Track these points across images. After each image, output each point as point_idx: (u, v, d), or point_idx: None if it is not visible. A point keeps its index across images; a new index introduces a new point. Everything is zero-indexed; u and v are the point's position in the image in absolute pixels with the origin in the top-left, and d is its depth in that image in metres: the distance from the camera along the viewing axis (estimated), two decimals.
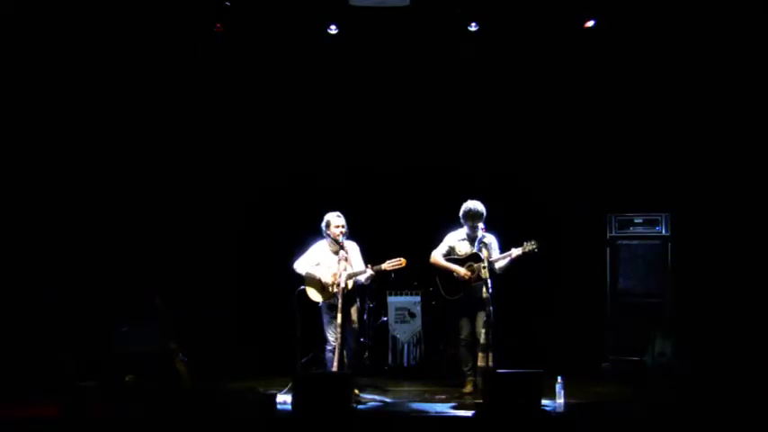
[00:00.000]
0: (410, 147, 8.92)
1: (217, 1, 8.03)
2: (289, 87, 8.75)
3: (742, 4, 7.78)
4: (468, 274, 7.14)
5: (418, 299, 8.68)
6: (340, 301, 6.93)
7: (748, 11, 7.75)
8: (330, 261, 7.18)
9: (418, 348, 8.71)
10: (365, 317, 8.08)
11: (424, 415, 6.55)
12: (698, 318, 7.88)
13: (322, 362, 7.39)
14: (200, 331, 8.08)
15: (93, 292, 8.24)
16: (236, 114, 8.90)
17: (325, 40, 8.34)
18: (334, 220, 7.14)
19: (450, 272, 7.24)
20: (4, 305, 7.91)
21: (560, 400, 6.49)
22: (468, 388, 7.17)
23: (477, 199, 7.21)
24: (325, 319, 7.19)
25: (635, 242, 8.25)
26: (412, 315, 8.72)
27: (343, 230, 7.14)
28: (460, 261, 7.24)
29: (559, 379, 6.52)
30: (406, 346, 8.72)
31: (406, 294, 8.73)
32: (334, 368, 6.93)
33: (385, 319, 8.73)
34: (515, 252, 7.08)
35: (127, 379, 7.55)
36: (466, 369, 7.24)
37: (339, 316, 6.91)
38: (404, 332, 8.73)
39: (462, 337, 7.23)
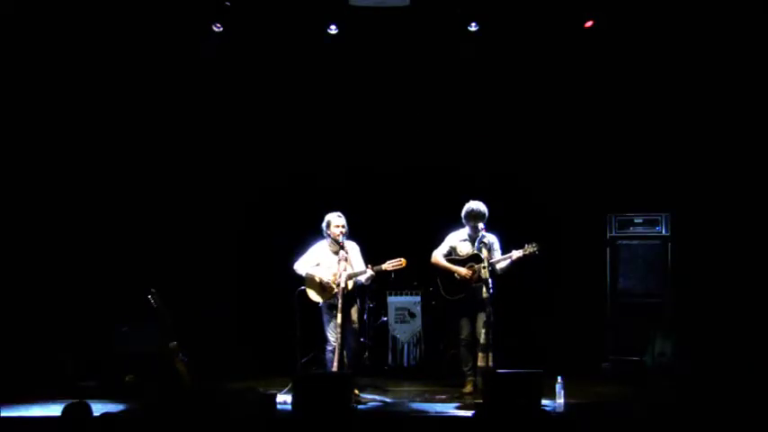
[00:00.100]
0: (410, 147, 8.91)
1: (217, 1, 8.03)
2: (289, 87, 8.75)
3: (742, 5, 7.78)
4: (469, 274, 7.14)
5: (418, 299, 8.69)
6: (340, 301, 6.93)
7: (748, 11, 7.75)
8: (330, 261, 7.18)
9: (418, 348, 8.71)
10: (365, 317, 8.07)
11: (424, 415, 6.55)
12: (698, 318, 7.88)
13: (322, 362, 7.39)
14: (200, 331, 8.08)
15: (93, 293, 8.25)
16: (237, 114, 8.90)
17: (325, 40, 8.33)
18: (335, 220, 7.14)
19: (450, 272, 7.24)
20: (5, 305, 7.90)
21: (560, 400, 6.50)
22: (468, 388, 7.16)
23: (478, 199, 7.21)
24: (326, 319, 7.18)
25: (635, 242, 8.25)
26: (412, 315, 8.72)
27: (344, 230, 7.14)
28: (461, 261, 7.24)
29: (559, 379, 6.53)
30: (406, 346, 8.72)
31: (406, 294, 8.73)
32: (334, 368, 6.93)
33: (385, 319, 8.73)
34: (516, 254, 7.08)
35: (127, 379, 7.57)
36: (466, 369, 7.23)
37: (339, 316, 6.91)
38: (404, 332, 8.73)
39: (462, 337, 7.23)
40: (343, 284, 6.95)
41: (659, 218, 8.19)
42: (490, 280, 6.87)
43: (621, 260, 8.26)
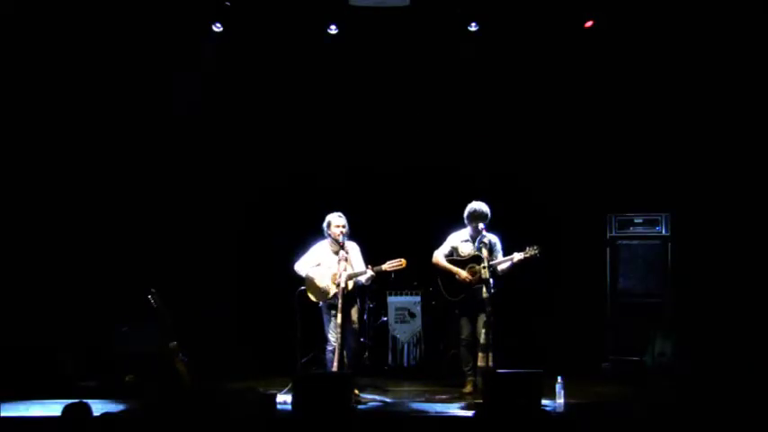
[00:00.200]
0: (410, 147, 8.91)
1: (217, 1, 8.03)
2: (289, 87, 8.74)
3: (742, 5, 7.78)
4: (470, 277, 7.14)
5: (418, 299, 8.68)
6: (340, 301, 6.93)
7: (748, 11, 7.75)
8: (331, 261, 7.18)
9: (418, 348, 8.71)
10: (365, 317, 8.08)
11: (424, 415, 6.55)
12: (698, 318, 7.88)
13: (322, 362, 7.39)
14: (200, 331, 8.07)
15: (94, 293, 8.25)
16: (237, 114, 8.89)
17: (325, 40, 8.34)
18: (335, 220, 7.15)
19: (451, 273, 7.24)
20: (5, 305, 7.90)
21: (560, 400, 6.50)
22: (468, 388, 7.17)
23: (478, 199, 7.21)
24: (326, 319, 7.18)
25: (635, 242, 8.25)
26: (412, 315, 8.72)
27: (344, 230, 7.14)
28: (463, 262, 7.24)
29: (559, 379, 6.53)
30: (406, 346, 8.72)
31: (406, 294, 8.73)
32: (334, 368, 6.93)
33: (385, 319, 8.73)
34: (517, 256, 7.09)
35: (127, 379, 7.57)
36: (466, 369, 7.24)
37: (339, 316, 6.91)
38: (404, 332, 8.73)
39: (463, 337, 7.23)
40: (343, 284, 6.95)
41: (659, 218, 8.19)
42: (491, 280, 6.88)
43: (621, 260, 8.26)
